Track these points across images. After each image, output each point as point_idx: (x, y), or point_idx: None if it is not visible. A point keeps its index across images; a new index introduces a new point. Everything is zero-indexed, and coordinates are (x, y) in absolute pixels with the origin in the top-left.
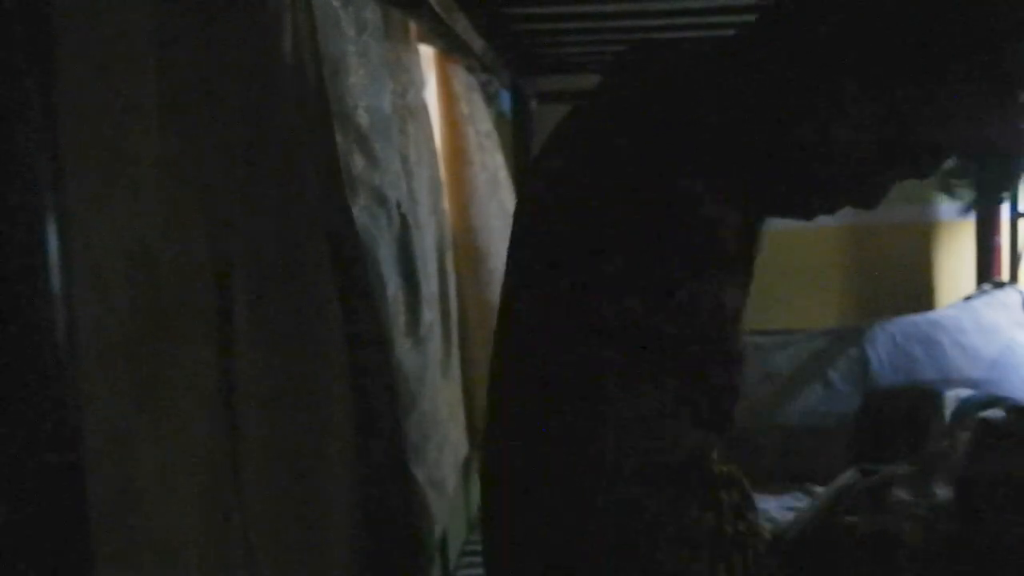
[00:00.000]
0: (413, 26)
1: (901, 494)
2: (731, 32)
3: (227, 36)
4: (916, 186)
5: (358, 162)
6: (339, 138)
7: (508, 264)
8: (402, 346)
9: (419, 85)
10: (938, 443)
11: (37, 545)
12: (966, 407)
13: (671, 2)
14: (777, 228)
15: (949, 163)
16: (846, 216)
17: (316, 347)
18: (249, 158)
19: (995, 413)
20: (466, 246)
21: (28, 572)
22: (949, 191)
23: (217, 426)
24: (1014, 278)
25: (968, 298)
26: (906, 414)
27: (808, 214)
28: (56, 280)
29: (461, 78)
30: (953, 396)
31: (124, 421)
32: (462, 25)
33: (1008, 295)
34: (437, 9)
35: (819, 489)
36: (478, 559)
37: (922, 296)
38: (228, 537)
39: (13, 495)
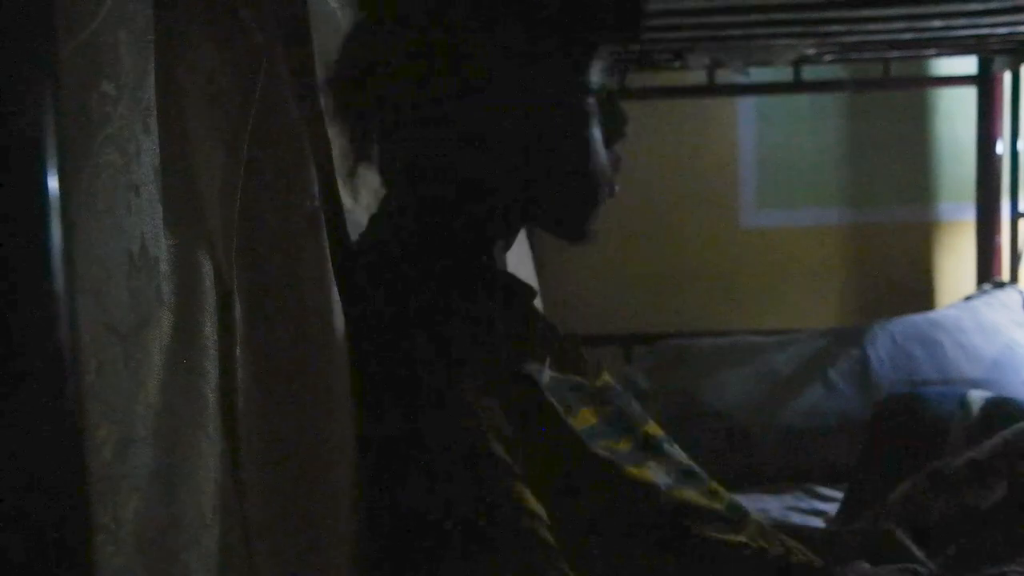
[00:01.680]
0: None
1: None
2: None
3: (226, 36)
4: (916, 186)
5: None
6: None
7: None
8: None
9: None
10: (960, 446)
11: (37, 546)
12: (992, 408)
13: (668, 3)
14: (778, 228)
15: None
16: (846, 216)
17: (316, 347)
18: (248, 158)
19: None
20: None
21: (27, 573)
22: None
23: (217, 427)
24: (1014, 278)
25: (968, 298)
26: (925, 416)
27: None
28: (57, 280)
29: None
30: (979, 397)
31: (124, 421)
32: None
33: (1008, 295)
34: None
35: (820, 489)
36: None
37: (922, 296)
38: (228, 537)
39: (12, 496)
